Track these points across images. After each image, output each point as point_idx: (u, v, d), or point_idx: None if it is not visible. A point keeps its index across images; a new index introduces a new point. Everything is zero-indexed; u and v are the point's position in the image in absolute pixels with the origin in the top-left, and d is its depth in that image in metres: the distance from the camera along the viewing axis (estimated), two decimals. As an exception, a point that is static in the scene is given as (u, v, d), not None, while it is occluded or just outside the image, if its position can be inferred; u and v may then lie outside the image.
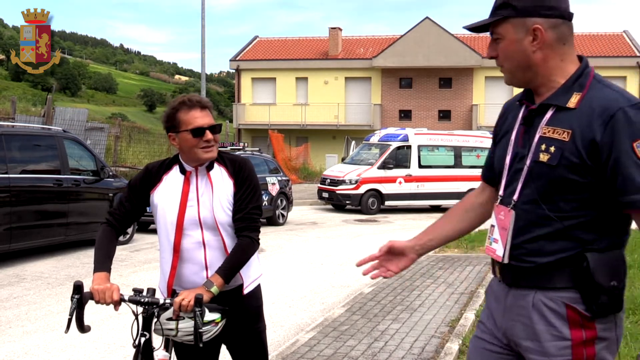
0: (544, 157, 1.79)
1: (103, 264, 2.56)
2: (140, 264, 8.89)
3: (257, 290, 2.77)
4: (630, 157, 1.69)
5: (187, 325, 2.41)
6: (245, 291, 2.69)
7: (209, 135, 2.54)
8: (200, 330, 2.34)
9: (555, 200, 1.79)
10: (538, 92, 1.90)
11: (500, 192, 1.96)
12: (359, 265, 2.19)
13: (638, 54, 32.76)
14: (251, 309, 2.73)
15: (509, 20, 1.83)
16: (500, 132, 2.05)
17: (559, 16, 1.81)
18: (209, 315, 2.43)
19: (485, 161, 2.19)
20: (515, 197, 1.88)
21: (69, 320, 2.41)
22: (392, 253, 2.13)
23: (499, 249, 1.92)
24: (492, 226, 1.97)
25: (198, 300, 2.35)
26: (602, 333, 1.80)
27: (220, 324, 2.49)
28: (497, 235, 1.93)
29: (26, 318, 6.08)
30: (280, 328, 5.93)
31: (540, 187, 1.81)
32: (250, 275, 2.73)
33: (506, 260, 1.89)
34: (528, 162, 1.84)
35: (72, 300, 2.41)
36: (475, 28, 1.93)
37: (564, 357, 1.79)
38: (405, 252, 2.13)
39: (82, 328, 2.47)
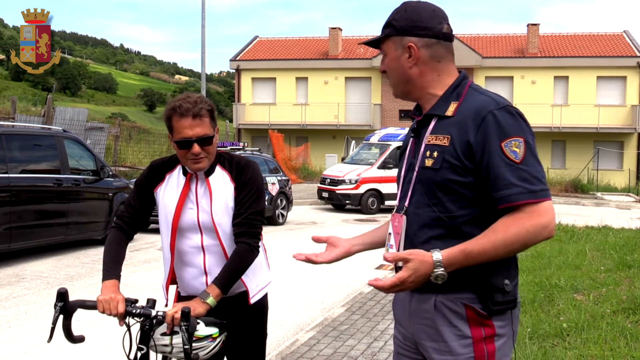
0: (428, 163, 1.94)
1: (111, 270, 2.44)
2: (140, 264, 8.89)
3: (264, 299, 2.70)
4: (500, 156, 1.84)
5: (180, 340, 2.23)
6: (252, 300, 2.61)
7: (195, 148, 2.42)
8: (187, 346, 2.16)
9: (442, 201, 1.91)
10: (421, 104, 2.07)
11: (396, 202, 2.09)
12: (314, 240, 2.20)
13: (638, 54, 32.72)
14: (257, 318, 2.65)
15: (390, 38, 2.02)
16: (402, 150, 2.22)
17: (432, 36, 1.99)
18: (205, 330, 2.27)
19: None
20: (406, 203, 2.01)
21: (52, 330, 2.29)
22: (330, 244, 2.17)
23: None
24: (389, 234, 2.08)
25: (184, 314, 2.18)
26: (500, 330, 1.92)
27: (218, 339, 2.32)
28: (392, 242, 2.04)
29: (26, 318, 6.07)
30: (280, 327, 5.93)
31: (427, 190, 1.94)
32: (258, 284, 2.66)
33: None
34: (416, 169, 1.99)
35: (55, 308, 2.29)
36: (370, 43, 2.10)
37: (467, 355, 1.89)
38: (339, 244, 2.17)
39: (72, 338, 2.34)
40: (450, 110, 1.95)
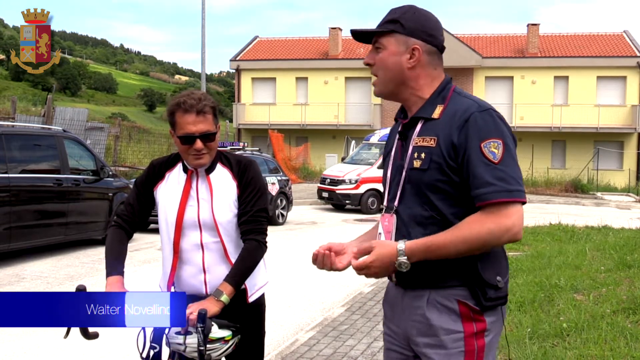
0: (417, 164, 1.99)
1: (115, 267, 2.47)
2: (140, 264, 8.89)
3: (261, 299, 2.73)
4: (478, 156, 1.90)
5: (194, 341, 2.28)
6: (250, 299, 2.63)
7: (198, 144, 2.45)
8: (201, 348, 2.22)
9: (431, 200, 1.97)
10: (407, 106, 2.12)
11: (385, 203, 2.15)
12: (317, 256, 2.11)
13: (638, 54, 32.70)
14: (255, 317, 2.67)
15: (394, 35, 2.04)
16: (386, 152, 2.25)
17: (435, 45, 2.06)
18: (219, 332, 2.31)
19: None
20: (395, 203, 2.07)
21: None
22: (334, 252, 2.11)
23: None
24: (379, 233, 2.13)
25: (201, 316, 2.24)
26: (491, 325, 1.98)
27: (231, 342, 2.36)
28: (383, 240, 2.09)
29: (26, 318, 6.07)
30: (280, 327, 5.93)
31: (417, 190, 2.00)
32: (256, 283, 2.68)
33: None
34: (404, 171, 2.04)
35: None
36: (360, 34, 2.11)
37: (458, 349, 1.94)
38: (346, 250, 2.10)
39: (87, 335, 2.35)
40: (436, 113, 2.01)
